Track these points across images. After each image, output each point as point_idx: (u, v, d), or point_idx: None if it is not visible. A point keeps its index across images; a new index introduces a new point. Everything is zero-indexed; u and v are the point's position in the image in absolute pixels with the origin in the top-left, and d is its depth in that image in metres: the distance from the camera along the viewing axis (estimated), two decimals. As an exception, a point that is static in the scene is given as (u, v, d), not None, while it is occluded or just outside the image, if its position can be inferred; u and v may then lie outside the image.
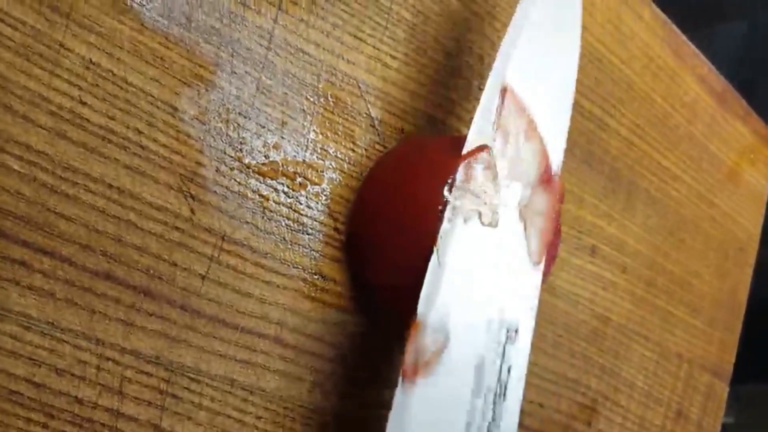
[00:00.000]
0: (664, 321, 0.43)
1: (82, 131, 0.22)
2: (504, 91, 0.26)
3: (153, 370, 0.23)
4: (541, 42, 0.27)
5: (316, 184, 0.27)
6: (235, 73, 0.25)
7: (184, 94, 0.24)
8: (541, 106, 0.27)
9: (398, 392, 0.23)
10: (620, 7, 0.39)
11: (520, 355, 0.26)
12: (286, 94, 0.26)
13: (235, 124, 0.25)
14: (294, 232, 0.26)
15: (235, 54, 0.25)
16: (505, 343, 0.25)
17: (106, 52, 0.22)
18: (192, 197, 0.24)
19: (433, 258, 0.23)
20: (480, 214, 0.24)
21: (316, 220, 0.27)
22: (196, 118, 0.24)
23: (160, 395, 0.23)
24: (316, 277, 0.27)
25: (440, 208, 0.24)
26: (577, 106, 0.37)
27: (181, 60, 0.24)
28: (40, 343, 0.21)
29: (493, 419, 0.25)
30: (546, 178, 0.26)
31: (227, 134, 0.25)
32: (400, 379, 0.23)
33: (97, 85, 0.22)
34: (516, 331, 0.26)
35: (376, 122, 0.29)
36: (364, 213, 0.27)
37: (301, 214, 0.26)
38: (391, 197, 0.26)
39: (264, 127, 0.26)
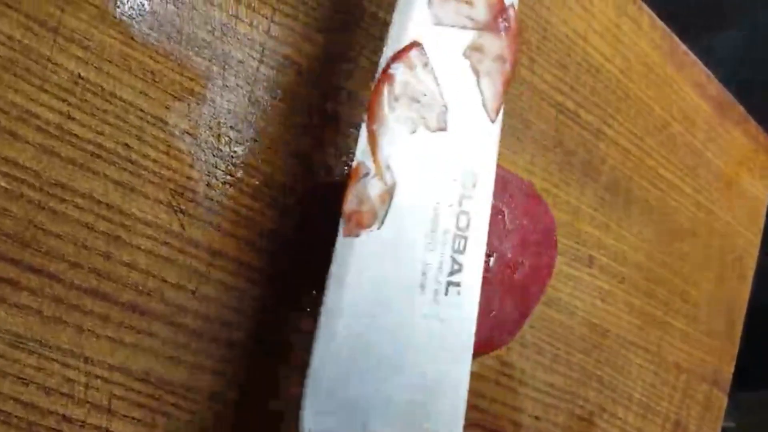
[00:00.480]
0: (663, 331, 0.42)
1: (70, 147, 0.22)
2: None
3: (142, 387, 0.23)
4: None
5: (308, 197, 0.27)
6: (227, 86, 0.25)
7: (175, 108, 0.24)
8: None
9: (338, 245, 0.21)
10: (618, 16, 0.39)
11: (477, 206, 0.24)
12: (278, 107, 0.26)
13: (227, 138, 0.25)
14: (285, 247, 0.26)
15: (226, 67, 0.25)
16: (462, 192, 0.23)
17: (95, 67, 0.22)
18: (182, 212, 0.24)
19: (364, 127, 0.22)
20: (425, 122, 0.22)
21: (308, 234, 0.27)
22: (187, 132, 0.24)
23: (150, 413, 0.23)
24: (308, 291, 0.27)
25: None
26: (574, 116, 0.37)
27: (172, 74, 0.23)
28: (28, 362, 0.21)
29: (451, 273, 0.23)
30: (497, 14, 0.24)
31: (218, 148, 0.24)
32: (340, 229, 0.21)
33: (85, 99, 0.22)
34: (474, 185, 0.24)
35: (370, 134, 0.28)
36: None
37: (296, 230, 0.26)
38: None
39: (256, 141, 0.25)
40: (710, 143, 0.45)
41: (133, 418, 0.23)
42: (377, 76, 0.22)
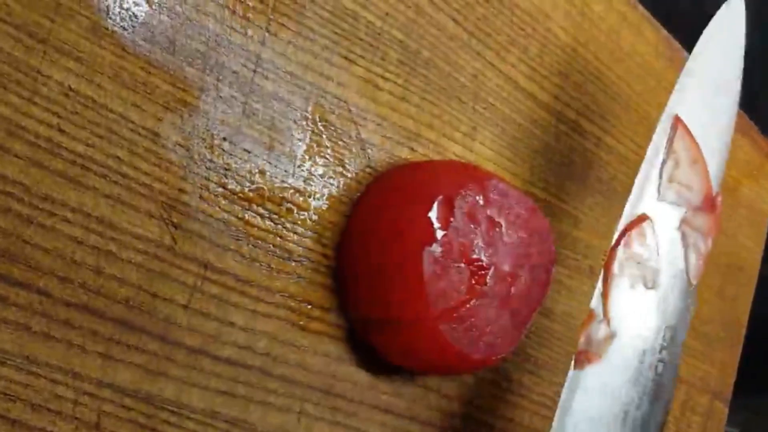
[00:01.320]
0: (663, 342, 0.42)
1: (60, 160, 0.21)
2: (676, 121, 0.29)
3: (132, 403, 0.22)
4: (709, 76, 0.31)
5: (303, 209, 0.26)
6: (221, 97, 0.24)
7: (167, 120, 0.23)
8: (705, 134, 0.30)
9: (570, 375, 0.26)
10: (619, 23, 0.38)
11: (673, 356, 0.28)
12: (273, 117, 0.26)
13: (220, 150, 0.24)
14: (280, 259, 0.26)
15: (220, 78, 0.24)
16: (661, 343, 0.28)
17: (86, 78, 0.22)
18: (174, 225, 0.23)
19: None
20: (644, 280, 0.28)
21: (303, 247, 0.26)
22: (179, 144, 0.23)
23: (140, 429, 0.23)
24: (303, 304, 0.26)
25: (425, 245, 0.24)
26: (574, 125, 0.36)
27: (164, 85, 0.23)
28: (16, 378, 0.21)
29: (646, 413, 0.27)
30: (708, 201, 0.29)
31: (211, 160, 0.24)
32: (572, 363, 0.26)
33: (76, 112, 0.22)
34: (673, 337, 0.28)
35: (367, 146, 0.28)
36: (352, 243, 0.26)
37: (288, 241, 0.26)
38: (378, 228, 0.25)
39: (250, 152, 0.25)
40: (713, 152, 0.45)
41: (123, 435, 0.22)
42: (615, 238, 0.27)
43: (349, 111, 0.27)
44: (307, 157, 0.26)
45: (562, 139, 0.36)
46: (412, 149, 0.29)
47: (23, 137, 0.21)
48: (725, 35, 0.32)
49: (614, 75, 0.38)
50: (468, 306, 0.26)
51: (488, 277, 0.26)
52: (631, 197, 0.28)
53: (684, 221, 0.29)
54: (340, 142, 0.27)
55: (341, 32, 0.27)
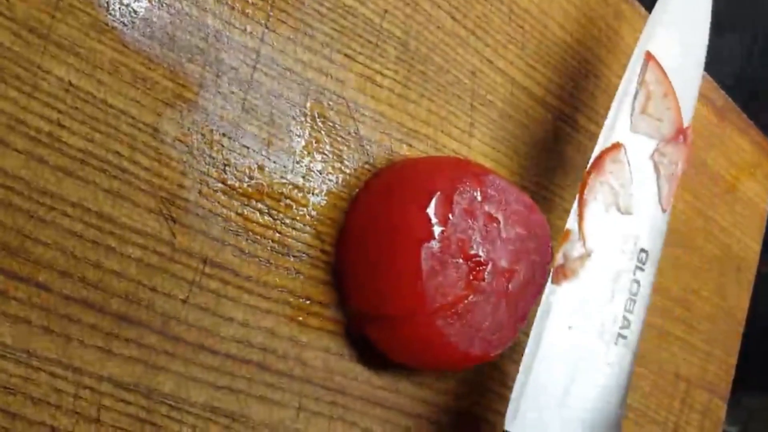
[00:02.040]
0: (662, 340, 0.42)
1: (60, 155, 0.21)
2: (648, 56, 0.30)
3: (131, 397, 0.23)
4: (678, 19, 0.32)
5: (302, 205, 0.26)
6: (220, 92, 0.24)
7: (167, 115, 0.23)
8: (676, 70, 0.31)
9: (546, 291, 0.27)
10: (617, 20, 0.38)
11: (646, 278, 0.30)
12: (272, 113, 0.26)
13: (219, 145, 0.24)
14: (279, 255, 0.26)
15: (220, 74, 0.24)
16: (636, 264, 0.29)
17: (86, 74, 0.22)
18: (173, 220, 0.23)
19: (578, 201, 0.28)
20: (617, 205, 0.29)
21: (301, 242, 0.26)
22: (179, 140, 0.24)
23: (139, 423, 0.23)
24: (301, 300, 0.26)
25: (423, 241, 0.24)
26: (572, 122, 0.36)
27: (164, 80, 0.23)
28: (15, 372, 0.21)
29: (621, 327, 0.29)
30: (678, 131, 0.30)
31: (210, 155, 0.24)
32: (549, 279, 0.27)
33: (76, 107, 0.22)
34: (645, 260, 0.30)
35: (365, 142, 0.28)
36: (350, 239, 0.26)
37: (286, 236, 0.26)
38: (376, 224, 0.25)
39: (249, 148, 0.25)
40: (711, 149, 0.45)
41: (122, 429, 0.22)
42: (590, 164, 0.28)
43: (348, 107, 0.28)
44: (305, 153, 0.26)
45: (559, 136, 0.36)
46: (410, 145, 0.29)
47: (23, 132, 0.21)
48: None
49: (611, 72, 0.38)
50: (465, 302, 0.26)
51: (486, 273, 0.26)
52: (605, 127, 0.29)
53: (656, 151, 0.30)
54: (338, 138, 0.27)
55: (340, 29, 0.27)
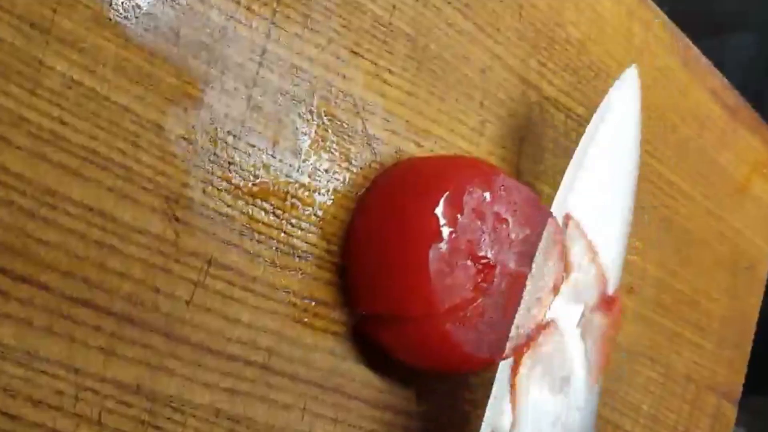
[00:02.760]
0: (672, 342, 0.42)
1: (62, 152, 0.21)
2: (567, 218, 0.28)
3: (134, 399, 0.22)
4: (601, 168, 0.30)
5: (308, 205, 0.26)
6: (225, 90, 0.24)
7: (171, 113, 0.23)
8: (600, 230, 0.29)
9: None
10: (630, 19, 0.38)
11: None
12: (278, 111, 0.25)
13: (224, 144, 0.24)
14: (284, 255, 0.25)
15: (225, 70, 0.24)
16: None
17: (89, 70, 0.21)
18: (177, 220, 0.23)
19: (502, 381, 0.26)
20: (550, 385, 0.27)
21: (307, 242, 0.26)
22: (183, 138, 0.23)
23: (142, 426, 0.22)
24: (307, 301, 0.26)
25: (432, 242, 0.23)
26: (583, 121, 0.36)
27: (168, 77, 0.23)
28: (16, 373, 0.20)
29: None
30: (604, 300, 0.29)
31: (215, 154, 0.24)
32: None
33: (78, 104, 0.21)
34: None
35: (373, 140, 0.28)
36: (357, 239, 0.26)
37: (292, 236, 0.26)
38: (384, 224, 0.25)
39: (254, 146, 0.25)
40: (723, 149, 0.44)
41: (125, 432, 0.22)
42: (522, 342, 0.27)
43: (355, 105, 0.27)
44: (312, 151, 0.26)
45: (571, 136, 0.35)
46: (418, 144, 0.29)
47: (25, 129, 0.20)
48: (619, 116, 0.30)
49: (622, 70, 0.37)
50: (475, 305, 0.25)
51: (495, 275, 0.26)
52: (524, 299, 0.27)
53: (583, 319, 0.28)
54: (345, 137, 0.27)
55: (348, 25, 0.27)
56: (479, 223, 0.25)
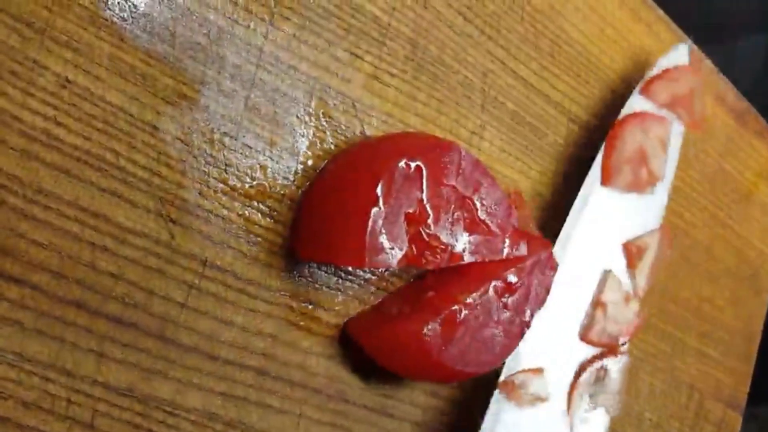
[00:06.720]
0: (676, 349, 0.41)
1: (56, 153, 0.21)
2: None
3: (126, 403, 0.22)
4: None
5: (305, 207, 0.26)
6: (222, 91, 0.24)
7: (166, 114, 0.23)
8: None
9: None
10: (634, 22, 0.37)
11: None
12: (275, 113, 0.25)
13: (221, 145, 0.24)
14: (280, 258, 0.25)
15: (222, 71, 0.24)
16: None
17: (84, 70, 0.21)
18: (172, 221, 0.23)
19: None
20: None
21: (305, 245, 0.26)
22: (179, 139, 0.23)
23: (134, 429, 0.22)
24: (303, 304, 0.26)
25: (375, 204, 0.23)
26: (585, 124, 0.35)
27: (164, 78, 0.23)
28: (7, 375, 0.20)
29: None
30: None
31: (211, 155, 0.24)
32: None
33: (73, 104, 0.21)
34: None
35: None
36: (311, 197, 0.25)
37: (289, 239, 0.25)
38: (335, 183, 0.25)
39: (251, 148, 0.24)
40: (728, 155, 0.44)
41: (117, 435, 0.22)
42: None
43: (354, 107, 0.27)
44: (310, 153, 0.26)
45: (573, 139, 0.35)
46: (418, 147, 0.29)
47: (18, 129, 0.20)
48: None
49: (626, 75, 0.37)
50: (458, 319, 0.25)
51: (436, 250, 0.25)
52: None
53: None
54: (343, 139, 0.27)
55: (347, 26, 0.27)
56: (425, 195, 0.25)
